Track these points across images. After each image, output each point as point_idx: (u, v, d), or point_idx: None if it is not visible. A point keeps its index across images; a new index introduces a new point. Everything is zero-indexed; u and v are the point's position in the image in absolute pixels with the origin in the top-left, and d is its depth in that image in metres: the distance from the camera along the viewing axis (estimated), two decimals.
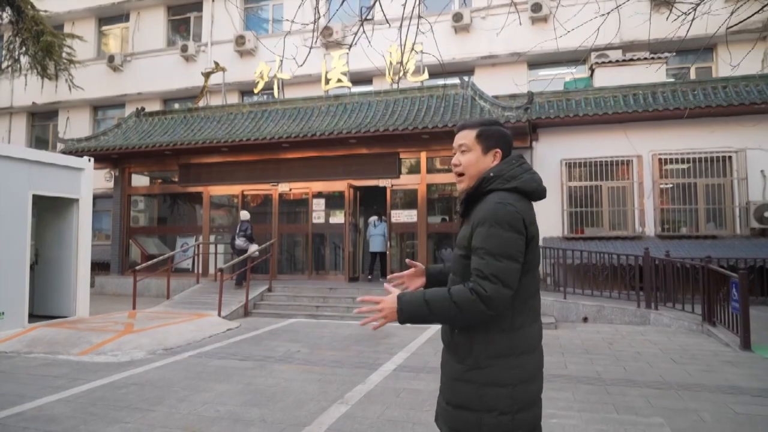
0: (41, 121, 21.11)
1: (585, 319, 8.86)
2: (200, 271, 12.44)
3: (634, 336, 7.51)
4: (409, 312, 1.63)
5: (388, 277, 2.86)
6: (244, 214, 11.38)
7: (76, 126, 19.61)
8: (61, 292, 8.80)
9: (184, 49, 17.84)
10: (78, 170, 8.88)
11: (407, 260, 2.04)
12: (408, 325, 8.42)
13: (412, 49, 8.18)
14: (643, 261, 8.76)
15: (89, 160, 9.10)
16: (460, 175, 1.79)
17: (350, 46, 4.52)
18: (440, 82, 12.41)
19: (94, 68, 19.41)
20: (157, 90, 18.48)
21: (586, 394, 4.60)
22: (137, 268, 9.98)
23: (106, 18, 20.03)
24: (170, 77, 18.27)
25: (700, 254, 9.92)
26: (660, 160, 11.42)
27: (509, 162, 1.74)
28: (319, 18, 4.11)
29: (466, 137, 1.78)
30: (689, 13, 4.00)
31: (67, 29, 20.02)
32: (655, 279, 8.66)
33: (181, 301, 10.16)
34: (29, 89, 18.29)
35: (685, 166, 11.42)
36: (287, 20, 16.88)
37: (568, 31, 5.65)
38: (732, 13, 4.30)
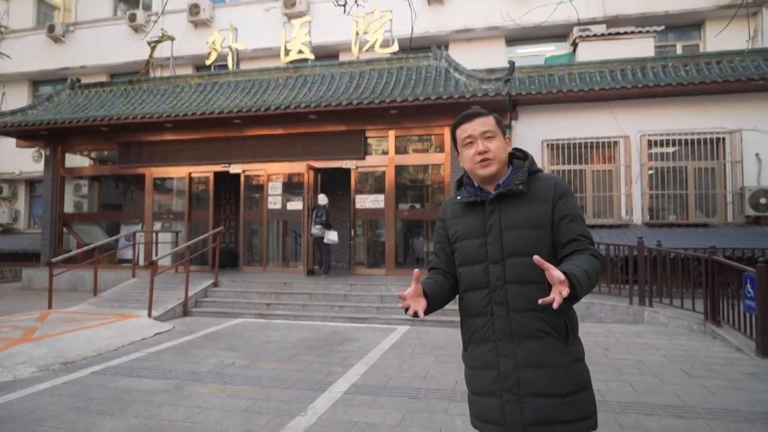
0: None
1: None
2: (141, 263, 11.03)
3: (631, 338, 6.51)
4: (582, 289, 1.53)
5: (397, 294, 1.79)
6: (322, 198, 10.19)
7: (13, 102, 17.63)
8: None
9: (132, 18, 16.15)
10: None
11: (415, 271, 1.72)
12: (372, 327, 7.06)
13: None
14: (637, 252, 7.78)
15: None
16: (487, 160, 1.77)
17: None
18: (412, 55, 11.19)
19: (32, 39, 17.57)
20: (103, 63, 16.75)
21: None
22: (54, 260, 8.54)
23: None
24: (118, 49, 16.57)
25: (692, 244, 9.06)
26: (649, 141, 10.48)
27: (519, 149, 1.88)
28: None
29: (487, 124, 1.80)
30: None
31: None
32: (649, 272, 7.70)
33: (110, 298, 8.78)
34: None
35: (674, 148, 10.51)
36: None
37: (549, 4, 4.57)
38: None
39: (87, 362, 5.45)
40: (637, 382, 4.64)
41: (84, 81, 13.94)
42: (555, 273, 1.47)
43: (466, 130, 1.80)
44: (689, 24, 13.32)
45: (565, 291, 1.45)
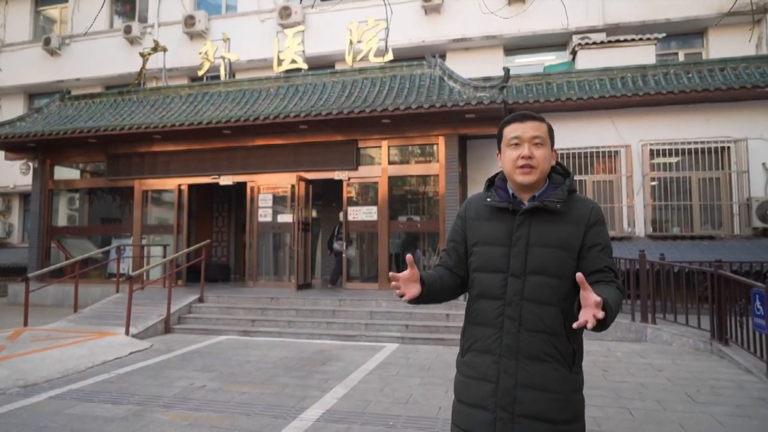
0: None
1: None
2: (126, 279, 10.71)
3: (632, 358, 6.12)
4: (613, 318, 1.49)
5: (390, 274, 1.79)
6: (342, 216, 10.49)
7: (9, 115, 17.44)
8: None
9: (128, 30, 16.03)
10: None
11: (408, 257, 1.67)
12: (360, 345, 6.69)
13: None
14: (639, 266, 7.40)
15: None
16: (530, 167, 1.68)
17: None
18: (405, 64, 10.93)
19: (28, 52, 17.48)
20: (98, 75, 16.59)
21: None
22: (30, 275, 8.24)
23: None
24: (113, 61, 16.43)
25: (696, 257, 8.65)
26: (651, 151, 10.13)
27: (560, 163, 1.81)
28: None
29: (539, 129, 1.71)
30: None
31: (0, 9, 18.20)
32: (652, 287, 7.30)
33: (90, 314, 8.45)
34: None
35: (677, 158, 10.15)
36: None
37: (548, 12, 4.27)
38: None
39: (49, 385, 5.10)
40: (637, 408, 4.25)
41: (64, 90, 13.77)
42: (592, 295, 1.42)
43: (516, 129, 1.72)
44: (691, 32, 13.02)
45: (600, 314, 1.40)
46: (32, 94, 18.07)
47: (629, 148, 10.16)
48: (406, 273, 1.67)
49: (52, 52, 17.00)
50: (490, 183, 1.82)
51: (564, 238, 1.64)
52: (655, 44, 11.57)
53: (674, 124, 10.07)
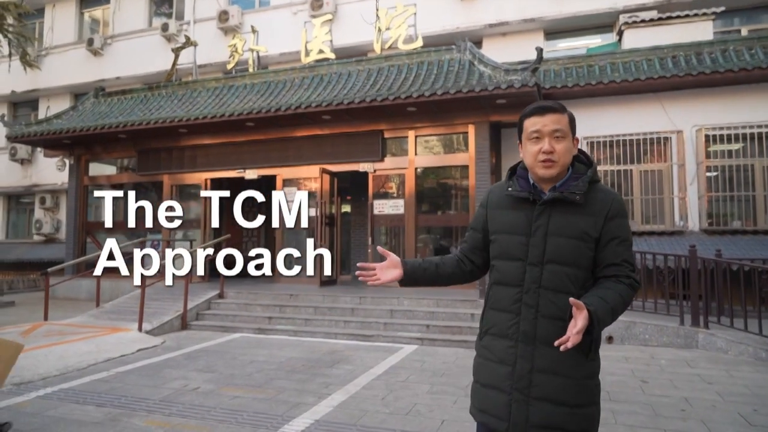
0: (24, 111, 19.77)
1: (610, 339, 6.74)
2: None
3: (678, 368, 5.38)
4: (602, 327, 1.57)
5: (358, 264, 1.91)
6: None
7: None
8: None
9: (165, 28, 16.19)
10: None
11: (379, 248, 1.89)
12: (376, 345, 6.25)
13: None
14: (689, 263, 6.58)
15: None
16: (551, 162, 1.68)
17: None
18: (433, 49, 10.35)
19: (74, 53, 17.99)
20: (137, 74, 16.85)
21: None
22: (50, 270, 8.24)
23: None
24: (151, 59, 16.64)
25: (760, 254, 7.70)
26: (707, 137, 9.14)
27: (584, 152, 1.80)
28: None
29: (560, 122, 1.70)
30: None
31: (47, 13, 18.84)
32: (705, 287, 6.48)
33: (111, 309, 8.40)
34: (12, 77, 17.13)
35: (738, 145, 9.12)
36: None
37: None
38: None
39: (43, 383, 4.93)
40: (676, 430, 3.59)
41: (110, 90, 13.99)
42: (580, 323, 1.49)
43: (535, 123, 1.71)
44: (758, 5, 11.73)
45: (578, 339, 1.49)
46: (78, 94, 18.59)
47: (681, 134, 9.22)
48: (384, 263, 1.80)
49: (95, 53, 17.41)
50: (513, 172, 1.82)
51: (582, 229, 1.65)
52: (713, 19, 10.46)
53: (734, 107, 9.05)
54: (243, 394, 4.52)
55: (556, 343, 1.51)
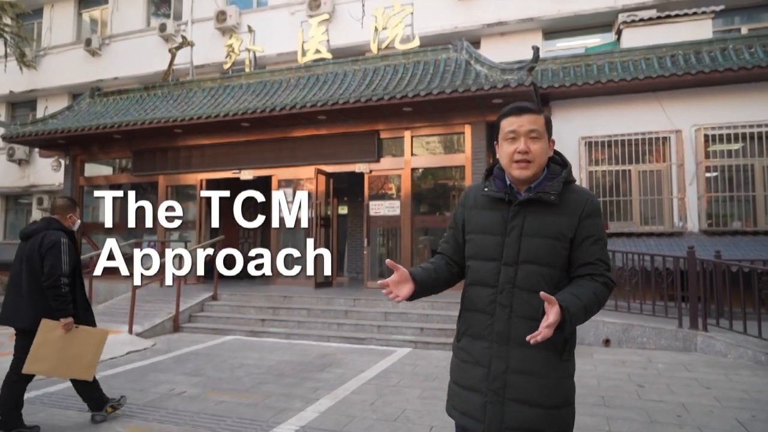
0: (22, 111, 19.72)
1: (606, 342, 6.63)
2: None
3: (676, 372, 5.27)
4: (574, 324, 1.57)
5: (379, 282, 1.79)
6: None
7: None
8: None
9: (163, 28, 16.10)
10: None
11: (388, 261, 1.79)
12: (369, 348, 6.14)
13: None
14: (687, 264, 6.47)
15: None
16: (526, 162, 1.68)
17: None
18: (429, 49, 10.25)
19: (72, 53, 17.92)
20: (135, 74, 16.75)
21: None
22: None
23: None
24: (149, 60, 16.54)
25: (760, 255, 7.58)
26: (706, 136, 9.03)
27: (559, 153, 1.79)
28: None
29: (537, 123, 1.70)
30: None
31: (46, 13, 18.81)
32: (704, 289, 6.37)
33: (104, 311, 8.31)
34: (10, 77, 17.12)
35: (738, 144, 9.01)
36: None
37: None
38: None
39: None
40: None
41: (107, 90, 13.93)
42: (551, 318, 1.49)
43: (512, 123, 1.72)
44: (758, 3, 11.62)
45: (548, 333, 1.50)
46: (76, 94, 18.52)
47: (680, 133, 9.11)
48: (394, 277, 1.73)
49: (93, 53, 17.34)
50: (489, 172, 1.82)
51: (557, 229, 1.66)
52: (713, 18, 10.36)
53: (734, 106, 8.93)
54: (229, 399, 4.43)
55: (527, 338, 1.51)
